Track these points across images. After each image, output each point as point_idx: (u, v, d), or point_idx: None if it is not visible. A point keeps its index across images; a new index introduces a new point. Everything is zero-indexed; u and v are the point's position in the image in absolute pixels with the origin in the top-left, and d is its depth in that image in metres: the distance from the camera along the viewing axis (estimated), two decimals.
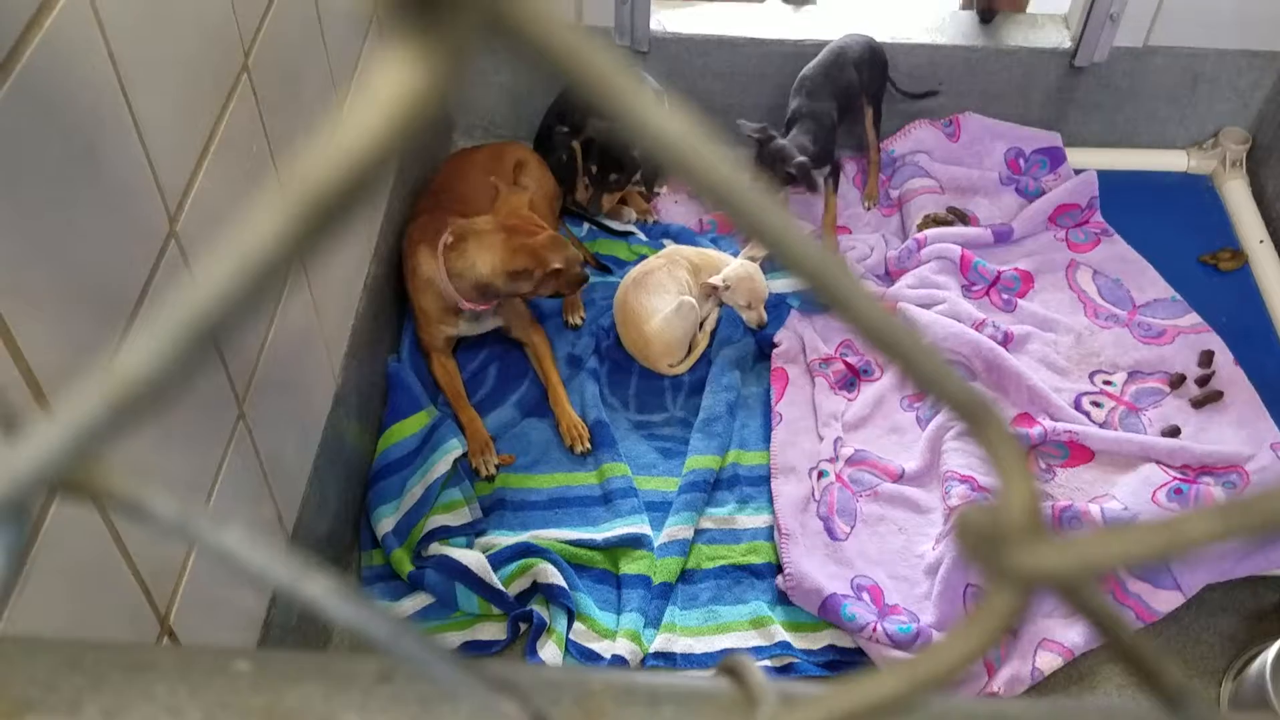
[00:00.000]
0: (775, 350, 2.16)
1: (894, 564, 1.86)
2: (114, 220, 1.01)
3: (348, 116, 0.13)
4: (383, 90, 0.13)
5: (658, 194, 2.46)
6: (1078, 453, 2.00)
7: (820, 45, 2.38)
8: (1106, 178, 2.47)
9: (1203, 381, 2.12)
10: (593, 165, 2.30)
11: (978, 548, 0.18)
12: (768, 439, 2.03)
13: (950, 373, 0.18)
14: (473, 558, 1.76)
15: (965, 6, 2.64)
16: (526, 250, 1.90)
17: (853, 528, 1.90)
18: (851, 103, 2.35)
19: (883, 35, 2.42)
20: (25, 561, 0.83)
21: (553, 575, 1.76)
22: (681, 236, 2.37)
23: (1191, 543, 0.16)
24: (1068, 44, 2.44)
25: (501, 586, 1.75)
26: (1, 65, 0.82)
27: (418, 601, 1.78)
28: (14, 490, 0.16)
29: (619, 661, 1.70)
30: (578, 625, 1.75)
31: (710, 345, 2.17)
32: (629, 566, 1.82)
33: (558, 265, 1.91)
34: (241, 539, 0.19)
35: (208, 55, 1.21)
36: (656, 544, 1.84)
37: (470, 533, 1.85)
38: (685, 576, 1.83)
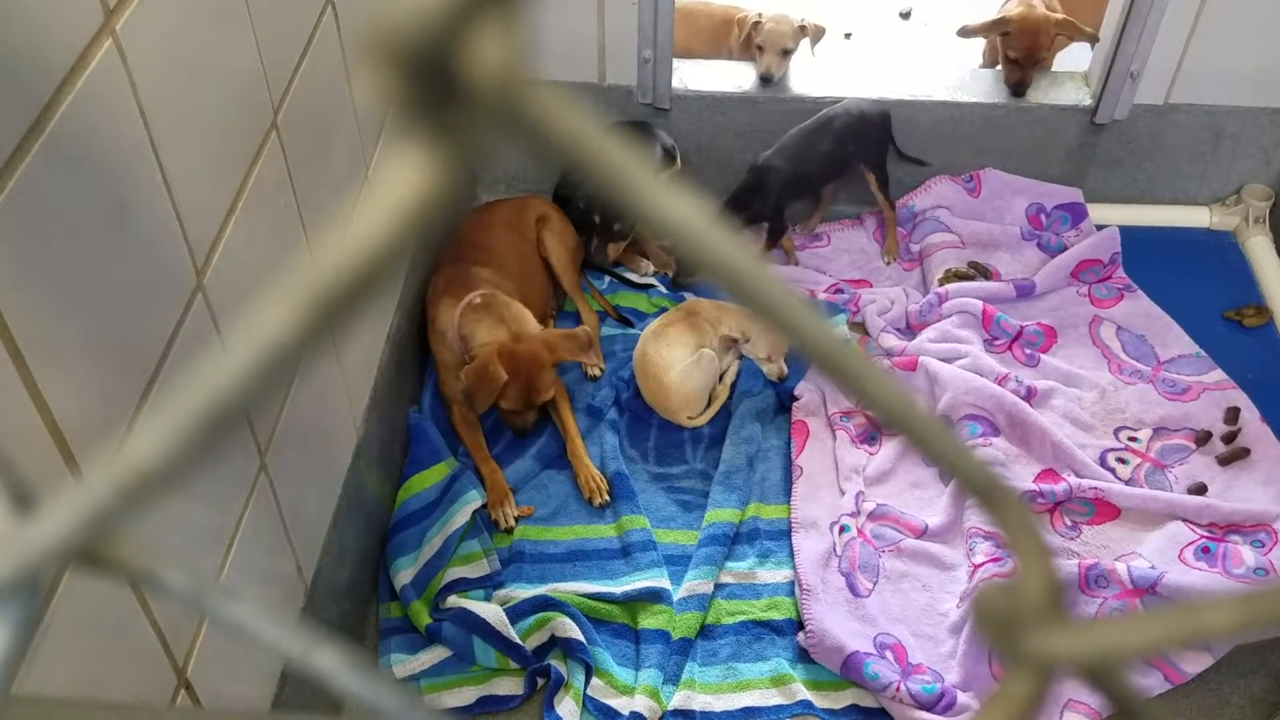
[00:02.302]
0: (796, 403, 2.15)
1: (917, 622, 1.84)
2: (142, 275, 1.02)
3: (360, 212, 0.14)
4: (394, 187, 0.13)
5: None
6: (1104, 510, 1.97)
7: (838, 102, 2.40)
8: (1129, 234, 2.47)
9: (1229, 438, 2.10)
10: (595, 216, 2.32)
11: (996, 630, 0.18)
12: (788, 492, 2.01)
13: (967, 452, 0.18)
14: (491, 611, 1.75)
15: (986, 64, 2.66)
16: (479, 364, 1.90)
17: (875, 584, 1.88)
18: (832, 170, 2.39)
19: (903, 93, 2.44)
20: (36, 633, 0.83)
21: (571, 629, 1.75)
22: (702, 289, 2.38)
23: (1212, 632, 0.15)
24: (1088, 101, 2.45)
25: (519, 640, 1.73)
26: (35, 122, 0.84)
27: (435, 655, 1.77)
28: (26, 568, 0.16)
29: (637, 719, 1.67)
30: (596, 681, 1.73)
31: (730, 397, 2.17)
32: (648, 621, 1.80)
33: (482, 396, 1.91)
34: (252, 611, 0.19)
35: (238, 113, 1.23)
36: (676, 598, 1.82)
37: (488, 585, 1.84)
38: (705, 632, 1.81)
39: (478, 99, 0.12)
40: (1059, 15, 2.40)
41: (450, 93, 0.12)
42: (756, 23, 2.44)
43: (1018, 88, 2.44)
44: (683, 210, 0.15)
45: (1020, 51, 2.40)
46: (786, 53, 2.42)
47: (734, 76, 2.47)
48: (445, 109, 0.12)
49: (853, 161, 2.40)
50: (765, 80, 2.42)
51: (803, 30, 2.42)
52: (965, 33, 2.44)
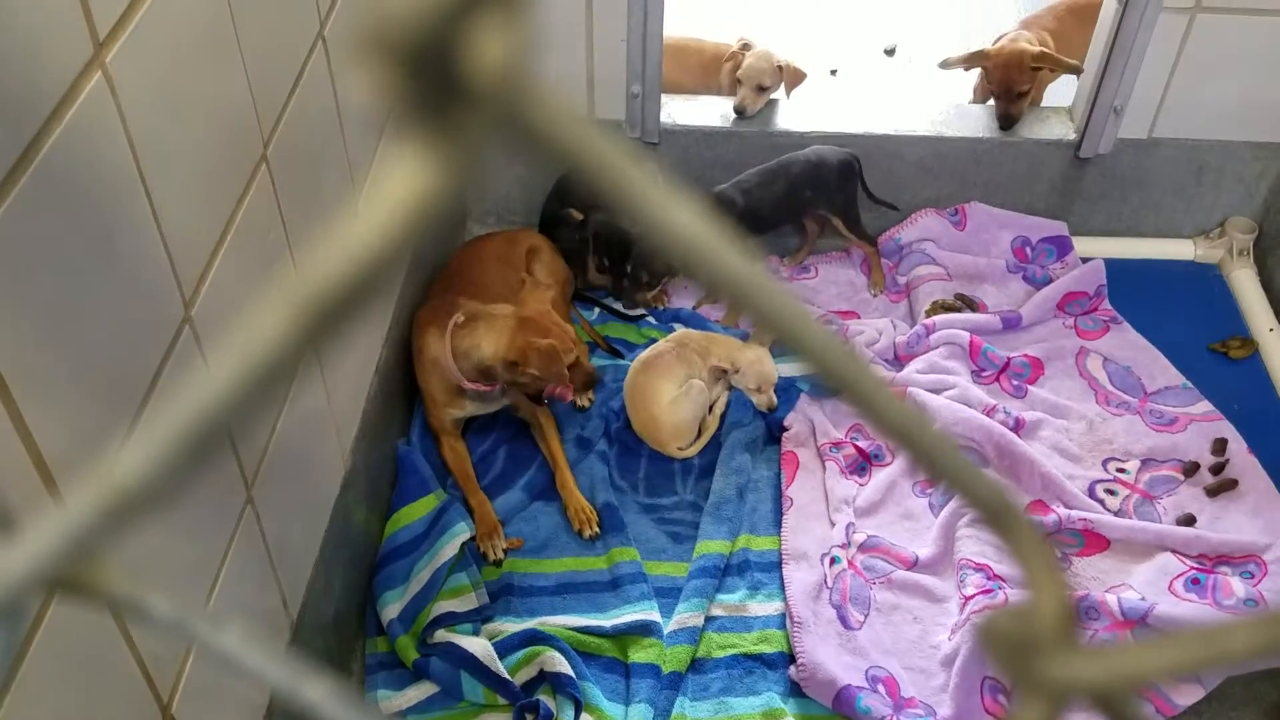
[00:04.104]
0: (785, 434, 2.15)
1: (909, 655, 1.83)
2: (129, 306, 1.02)
3: (358, 215, 0.13)
4: (394, 190, 0.12)
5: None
6: (1093, 541, 1.97)
7: (824, 137, 2.43)
8: (1114, 266, 2.48)
9: (1217, 470, 2.10)
10: (603, 259, 2.33)
11: (1008, 656, 0.17)
12: (778, 523, 2.00)
13: (975, 471, 0.17)
14: (479, 645, 1.73)
15: (975, 100, 2.68)
16: (533, 348, 1.89)
17: (866, 616, 1.87)
18: (787, 213, 2.40)
19: (888, 128, 2.46)
20: (19, 660, 0.82)
21: (560, 664, 1.73)
22: (692, 320, 2.38)
23: (1232, 656, 0.15)
24: (1073, 136, 2.48)
25: (508, 675, 1.71)
26: (23, 154, 0.84)
27: (422, 690, 1.74)
28: (7, 592, 0.16)
29: None
30: (585, 716, 1.71)
31: (720, 428, 2.17)
32: (638, 655, 1.79)
33: (558, 368, 1.90)
34: (239, 640, 0.19)
35: (227, 145, 1.23)
36: (666, 631, 1.81)
37: (477, 619, 1.82)
38: (695, 666, 1.80)
39: (479, 97, 0.12)
40: (1037, 48, 2.43)
41: (451, 90, 0.12)
42: (736, 62, 2.46)
43: (1003, 120, 2.46)
44: (688, 220, 0.14)
45: (996, 84, 2.43)
46: (763, 89, 2.44)
47: (722, 111, 2.49)
48: (445, 107, 0.12)
49: (810, 206, 2.41)
50: (739, 113, 2.44)
51: (780, 71, 2.44)
52: (946, 65, 2.48)
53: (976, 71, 2.60)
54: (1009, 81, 2.41)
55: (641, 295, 2.38)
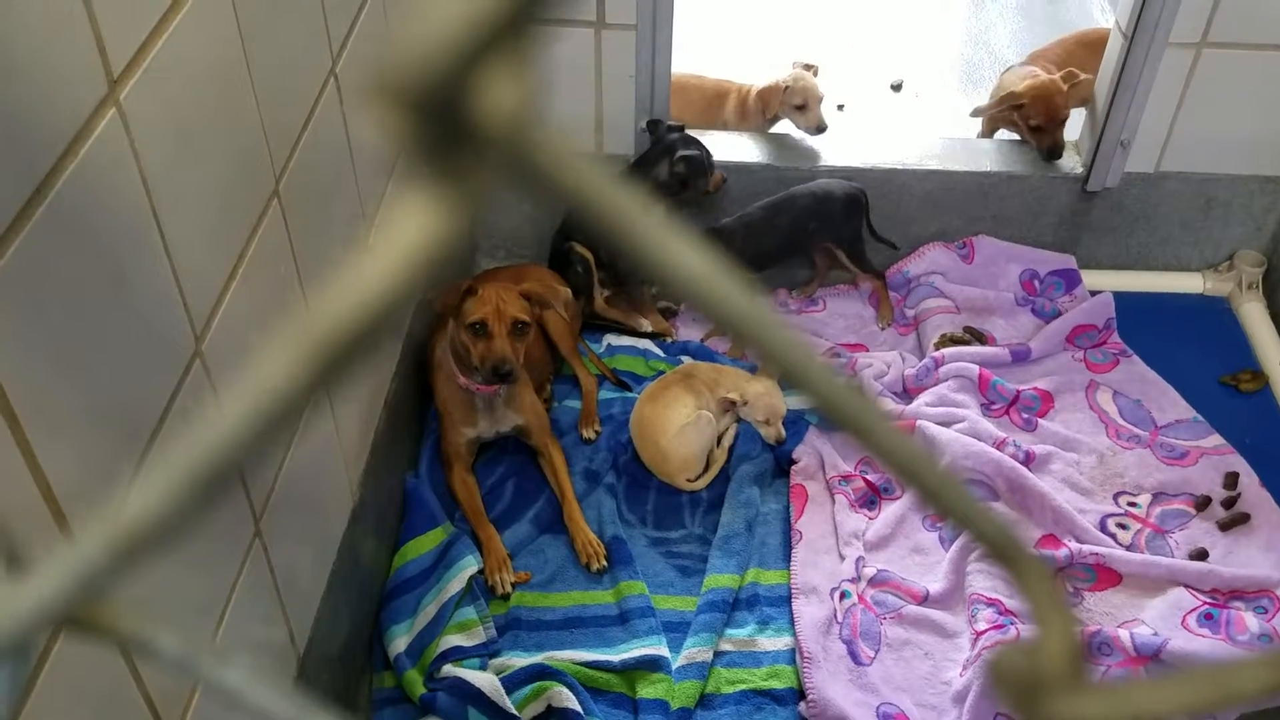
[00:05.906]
0: (794, 467, 2.14)
1: (921, 691, 1.81)
2: (140, 341, 1.02)
3: (367, 257, 0.13)
4: (404, 232, 0.13)
5: (676, 311, 2.50)
6: (1105, 576, 1.95)
7: (831, 171, 2.44)
8: (1123, 299, 2.48)
9: (1229, 504, 2.08)
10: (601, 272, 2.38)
11: (1017, 694, 0.17)
12: (787, 557, 1.99)
13: (983, 509, 0.17)
14: (486, 680, 1.72)
15: (984, 134, 2.69)
16: (452, 285, 1.91)
17: (877, 652, 1.85)
18: (791, 245, 2.42)
19: (896, 162, 2.47)
20: (25, 696, 0.81)
21: (568, 699, 1.72)
22: (700, 353, 2.38)
23: (1244, 694, 0.15)
24: (1079, 169, 2.48)
25: (515, 711, 1.70)
26: (38, 190, 0.84)
27: None
28: (15, 630, 0.16)
29: None
30: None
31: (728, 461, 2.16)
32: (646, 690, 1.77)
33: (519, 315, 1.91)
34: (246, 677, 0.19)
35: (240, 180, 1.24)
36: (674, 666, 1.79)
37: (484, 653, 1.81)
38: (704, 702, 1.78)
39: (489, 142, 0.12)
40: (1059, 71, 2.44)
41: (460, 135, 0.12)
42: (787, 87, 2.47)
43: (1052, 152, 2.45)
44: (694, 261, 0.14)
45: (1042, 117, 2.42)
46: (821, 100, 2.48)
47: (729, 145, 2.50)
48: (455, 152, 0.12)
49: (815, 239, 2.43)
50: (821, 130, 2.47)
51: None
52: (978, 113, 2.49)
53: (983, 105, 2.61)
54: (1054, 110, 2.41)
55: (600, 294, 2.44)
